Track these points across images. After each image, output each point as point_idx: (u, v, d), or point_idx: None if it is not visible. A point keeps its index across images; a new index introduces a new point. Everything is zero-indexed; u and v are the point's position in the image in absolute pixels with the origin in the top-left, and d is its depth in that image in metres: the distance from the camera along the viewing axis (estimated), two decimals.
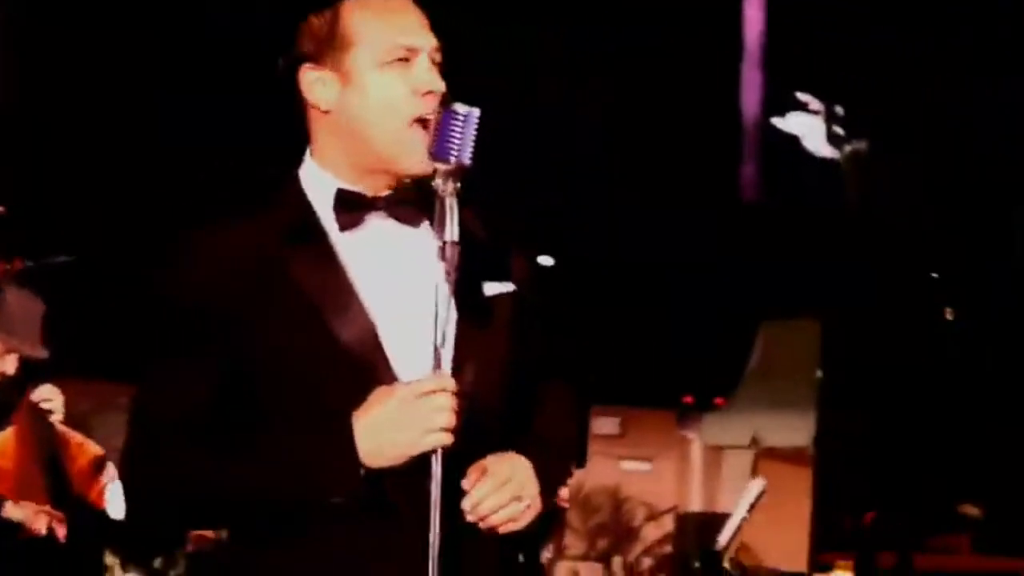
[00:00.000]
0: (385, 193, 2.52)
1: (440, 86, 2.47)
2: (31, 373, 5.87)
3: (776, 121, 19.48)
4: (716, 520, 13.67)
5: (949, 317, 4.28)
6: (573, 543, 14.09)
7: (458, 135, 2.36)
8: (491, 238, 2.59)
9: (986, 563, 4.75)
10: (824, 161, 19.12)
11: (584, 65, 17.01)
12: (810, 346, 13.33)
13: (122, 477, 2.53)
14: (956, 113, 17.70)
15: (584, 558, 14.18)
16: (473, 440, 2.42)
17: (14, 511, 5.70)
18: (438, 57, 2.52)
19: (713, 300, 17.88)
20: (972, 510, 4.72)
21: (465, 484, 2.41)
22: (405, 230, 2.51)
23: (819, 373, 4.50)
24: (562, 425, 2.66)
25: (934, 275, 4.30)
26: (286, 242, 2.47)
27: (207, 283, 2.44)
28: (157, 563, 9.24)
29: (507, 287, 2.56)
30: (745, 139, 20.51)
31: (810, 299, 14.75)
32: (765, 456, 13.47)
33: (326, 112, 2.53)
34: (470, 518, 2.41)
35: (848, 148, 19.21)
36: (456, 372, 2.39)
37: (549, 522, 2.60)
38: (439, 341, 2.34)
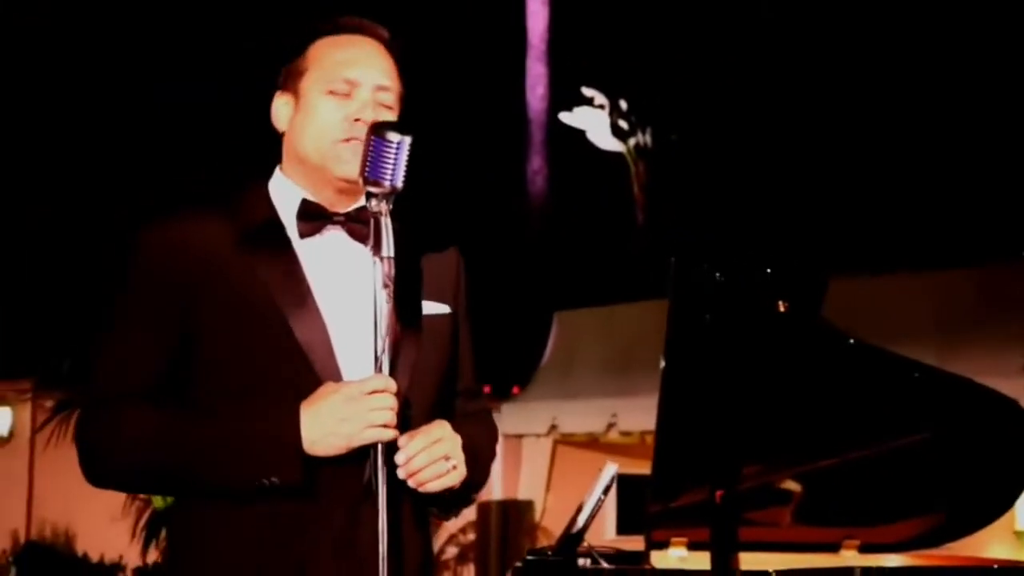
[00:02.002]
0: (344, 210, 2.76)
1: (369, 116, 2.71)
2: None
3: (562, 116, 19.91)
4: (518, 507, 13.94)
5: (782, 309, 4.59)
6: None
7: (391, 161, 2.58)
8: (429, 257, 2.84)
9: (805, 534, 5.06)
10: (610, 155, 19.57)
11: None
12: (601, 334, 13.68)
13: (81, 437, 2.70)
14: (745, 104, 18.26)
15: None
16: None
17: None
18: (386, 97, 2.77)
19: (508, 291, 18.18)
20: (792, 485, 5.04)
21: (401, 441, 2.63)
22: (356, 245, 2.74)
23: (662, 362, 4.78)
24: (485, 444, 2.89)
25: (767, 270, 4.61)
26: (253, 239, 2.70)
27: (173, 263, 2.67)
28: None
29: (443, 308, 2.82)
30: (531, 133, 20.86)
31: (604, 289, 15.12)
32: (562, 443, 13.77)
33: (284, 133, 2.82)
34: (401, 473, 2.62)
35: (632, 141, 19.70)
36: (392, 376, 2.60)
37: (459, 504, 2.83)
38: (380, 349, 2.56)
